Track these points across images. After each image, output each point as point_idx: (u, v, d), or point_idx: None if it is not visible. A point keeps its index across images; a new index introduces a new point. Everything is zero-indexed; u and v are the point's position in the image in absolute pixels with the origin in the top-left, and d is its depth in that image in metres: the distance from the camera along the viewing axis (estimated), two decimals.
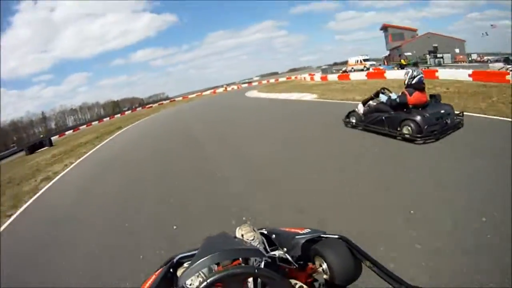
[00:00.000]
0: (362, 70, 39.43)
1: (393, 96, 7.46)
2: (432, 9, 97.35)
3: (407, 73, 7.00)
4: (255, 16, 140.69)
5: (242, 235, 1.69)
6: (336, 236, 1.66)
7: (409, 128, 6.71)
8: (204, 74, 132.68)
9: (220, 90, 61.42)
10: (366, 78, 26.57)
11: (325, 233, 1.71)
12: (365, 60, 43.66)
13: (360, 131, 8.44)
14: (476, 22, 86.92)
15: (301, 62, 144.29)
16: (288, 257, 1.62)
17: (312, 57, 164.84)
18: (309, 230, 1.77)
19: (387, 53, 58.96)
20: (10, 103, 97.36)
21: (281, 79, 54.43)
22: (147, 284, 1.59)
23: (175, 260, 1.77)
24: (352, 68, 43.28)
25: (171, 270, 1.69)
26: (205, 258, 1.27)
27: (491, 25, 54.60)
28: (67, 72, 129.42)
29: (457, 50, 46.85)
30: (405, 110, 6.96)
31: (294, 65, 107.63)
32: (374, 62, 43.97)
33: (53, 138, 33.69)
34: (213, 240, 1.56)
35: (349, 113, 9.03)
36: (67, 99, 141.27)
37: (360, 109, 8.59)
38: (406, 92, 6.87)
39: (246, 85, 61.89)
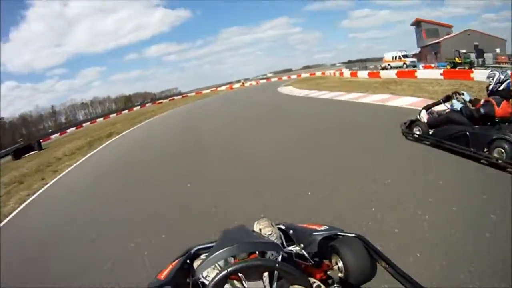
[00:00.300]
0: (400, 67, 35.31)
1: (466, 98, 6.17)
2: (448, 8, 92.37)
3: (491, 76, 5.61)
4: (269, 12, 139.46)
5: (260, 229, 1.74)
6: (353, 235, 1.68)
7: (502, 150, 4.94)
8: (219, 70, 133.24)
9: (237, 85, 57.30)
10: (396, 76, 24.23)
11: (342, 231, 1.74)
12: (404, 56, 39.19)
13: (425, 145, 6.66)
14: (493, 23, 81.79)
15: (315, 59, 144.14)
16: (305, 253, 1.67)
17: (327, 55, 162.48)
18: (327, 227, 1.80)
19: (417, 50, 54.84)
20: (22, 97, 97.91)
21: (303, 75, 50.06)
22: (163, 274, 1.67)
23: (192, 251, 1.82)
24: (389, 64, 38.92)
25: (188, 261, 1.74)
26: (222, 250, 1.31)
27: None
28: (81, 66, 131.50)
29: (497, 50, 42.80)
30: (489, 124, 5.45)
31: (308, 63, 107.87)
32: (414, 59, 39.42)
33: (54, 136, 29.41)
34: (230, 233, 1.59)
35: (411, 122, 7.24)
36: (80, 93, 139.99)
37: (424, 116, 6.96)
38: (493, 101, 5.36)
39: (264, 80, 57.90)
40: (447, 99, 6.57)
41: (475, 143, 5.42)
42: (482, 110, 5.47)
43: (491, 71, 5.91)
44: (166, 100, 57.76)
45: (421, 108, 7.21)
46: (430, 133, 6.59)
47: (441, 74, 19.91)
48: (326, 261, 1.67)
